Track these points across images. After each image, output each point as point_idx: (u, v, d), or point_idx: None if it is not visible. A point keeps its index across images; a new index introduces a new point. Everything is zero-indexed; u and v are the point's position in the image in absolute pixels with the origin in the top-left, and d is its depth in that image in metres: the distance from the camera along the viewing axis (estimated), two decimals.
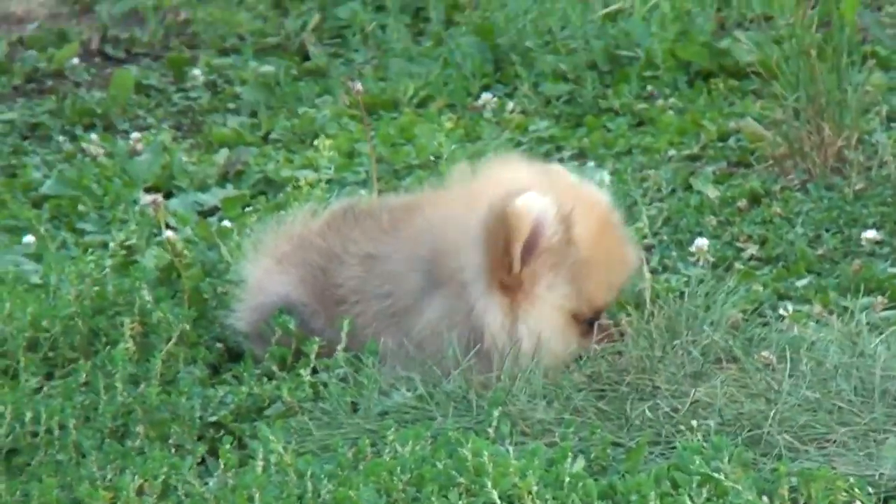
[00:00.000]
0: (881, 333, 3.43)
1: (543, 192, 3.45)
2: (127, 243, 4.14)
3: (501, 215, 3.39)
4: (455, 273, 3.53)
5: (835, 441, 3.08)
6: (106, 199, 4.58)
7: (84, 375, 3.41)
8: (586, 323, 3.53)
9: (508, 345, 3.45)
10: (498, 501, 2.70)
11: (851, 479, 2.75)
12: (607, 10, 5.74)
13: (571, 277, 3.46)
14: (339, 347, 3.45)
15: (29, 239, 4.26)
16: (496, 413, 3.09)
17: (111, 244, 4.16)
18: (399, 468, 2.81)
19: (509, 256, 3.42)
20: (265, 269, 3.81)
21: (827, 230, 4.12)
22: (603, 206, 3.60)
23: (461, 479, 2.77)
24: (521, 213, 3.38)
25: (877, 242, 4.07)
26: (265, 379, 3.42)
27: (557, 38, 5.65)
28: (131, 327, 3.54)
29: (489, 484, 2.72)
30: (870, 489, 2.76)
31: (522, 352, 3.50)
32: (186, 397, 3.28)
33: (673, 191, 4.46)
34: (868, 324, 3.51)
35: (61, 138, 5.25)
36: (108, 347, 3.49)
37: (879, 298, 3.66)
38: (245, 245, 3.97)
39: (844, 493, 2.72)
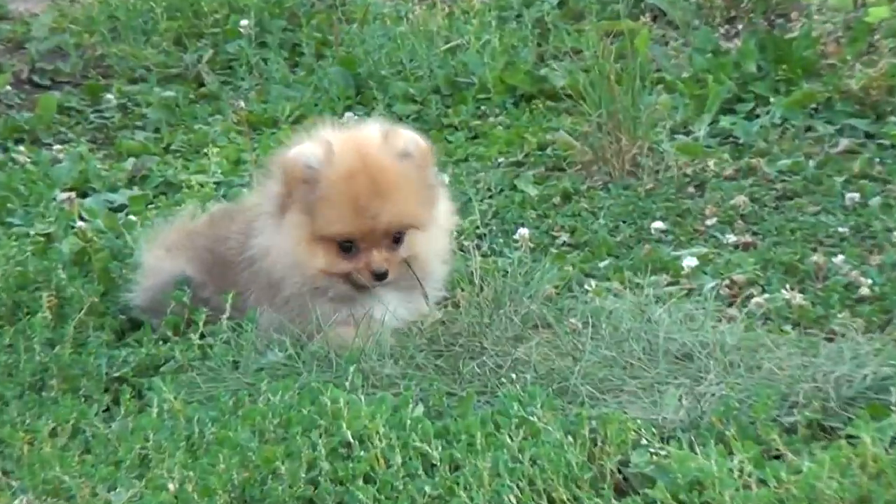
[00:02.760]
0: (664, 304, 3.50)
1: (321, 145, 3.52)
2: (46, 231, 4.17)
3: (281, 162, 3.53)
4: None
5: (627, 391, 3.14)
6: (31, 198, 4.58)
7: (7, 339, 3.44)
8: (340, 247, 3.52)
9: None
10: (351, 439, 2.73)
11: (639, 422, 2.81)
12: (448, 45, 5.82)
13: (308, 209, 3.49)
14: (224, 317, 3.47)
15: None
16: (351, 369, 3.13)
17: (31, 233, 4.20)
18: (271, 413, 2.86)
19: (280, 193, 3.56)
20: (157, 256, 3.85)
21: (623, 221, 4.18)
22: (372, 161, 3.55)
23: (321, 422, 2.80)
24: (288, 159, 3.49)
25: (663, 231, 4.13)
26: (161, 342, 3.46)
27: (407, 67, 5.71)
28: (48, 300, 3.55)
29: (344, 426, 2.75)
30: (653, 430, 2.80)
31: (269, 262, 3.60)
32: (94, 357, 3.32)
33: (501, 190, 4.51)
34: (655, 297, 3.58)
35: None
36: (28, 316, 3.51)
37: (664, 276, 3.73)
38: (140, 237, 4.00)
39: (633, 433, 2.77)
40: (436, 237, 3.65)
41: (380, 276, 3.51)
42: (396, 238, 3.51)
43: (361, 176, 3.51)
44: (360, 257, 3.50)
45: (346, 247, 3.48)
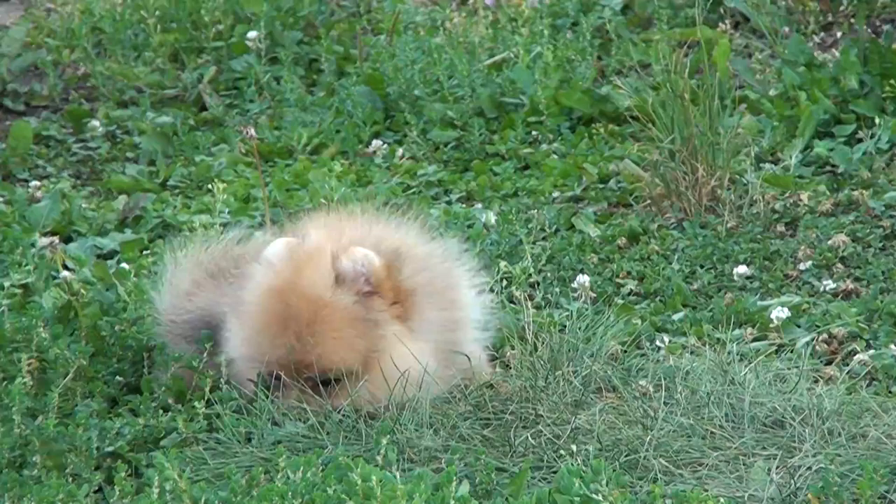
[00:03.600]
0: (750, 363, 3.43)
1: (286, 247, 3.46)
2: (24, 282, 4.07)
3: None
4: None
5: (707, 465, 3.09)
6: (4, 244, 4.46)
7: None
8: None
9: None
10: None
11: (722, 500, 2.75)
12: (493, 59, 5.76)
13: None
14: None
15: None
16: (384, 441, 3.04)
17: (7, 284, 4.09)
18: (291, 493, 2.77)
19: None
20: (197, 281, 3.78)
21: (701, 266, 4.13)
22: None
23: (350, 502, 2.74)
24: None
25: (747, 277, 4.08)
26: (161, 411, 3.37)
27: (445, 86, 5.62)
28: (28, 363, 3.46)
29: None
30: None
31: None
32: (83, 429, 3.21)
33: (556, 230, 4.45)
34: (738, 354, 3.52)
35: None
36: (5, 382, 3.40)
37: (749, 330, 3.67)
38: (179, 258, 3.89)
39: None
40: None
41: None
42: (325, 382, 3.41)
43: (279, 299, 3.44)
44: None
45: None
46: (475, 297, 3.71)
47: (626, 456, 3.08)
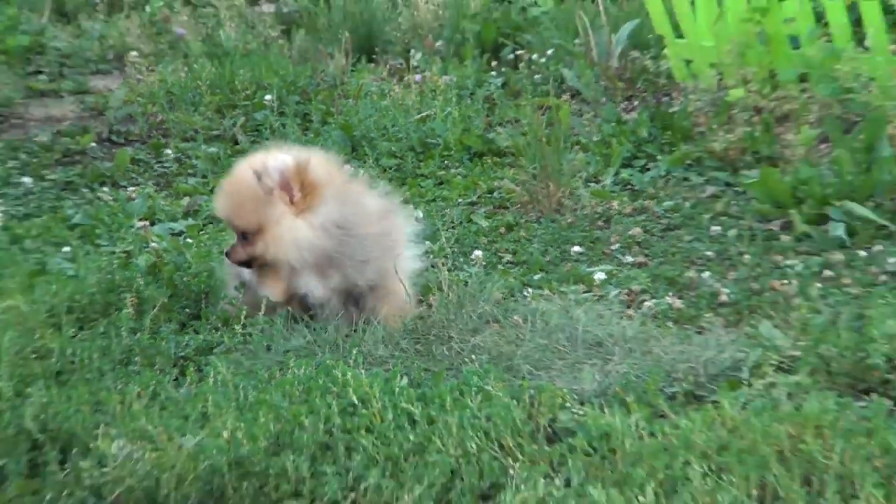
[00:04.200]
0: (582, 306, 3.41)
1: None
2: (126, 249, 4.04)
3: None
4: None
5: (555, 369, 3.09)
6: (113, 226, 4.44)
7: (102, 328, 3.34)
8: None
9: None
10: (355, 402, 2.66)
11: (565, 391, 2.75)
12: (420, 115, 5.65)
13: None
14: (261, 313, 3.31)
15: (66, 249, 4.11)
16: (354, 351, 3.05)
17: (116, 251, 4.07)
18: (296, 382, 2.77)
19: None
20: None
21: (551, 246, 4.09)
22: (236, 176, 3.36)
23: (334, 389, 2.72)
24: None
25: (580, 253, 4.03)
26: (214, 330, 3.37)
27: (390, 131, 5.54)
28: (131, 300, 3.46)
29: (350, 392, 2.68)
30: (574, 396, 2.75)
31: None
32: (165, 341, 3.23)
33: (461, 223, 4.41)
34: (575, 301, 3.49)
35: (85, 190, 5.04)
36: (116, 312, 3.39)
37: (581, 286, 3.64)
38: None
39: (560, 399, 2.72)
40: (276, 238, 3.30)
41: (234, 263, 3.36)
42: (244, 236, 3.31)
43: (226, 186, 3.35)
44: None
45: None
46: (409, 240, 3.57)
47: (505, 363, 3.08)
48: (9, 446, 2.69)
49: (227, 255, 3.32)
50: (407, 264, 3.49)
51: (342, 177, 3.39)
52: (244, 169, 3.28)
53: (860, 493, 2.31)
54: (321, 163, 3.33)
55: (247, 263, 3.30)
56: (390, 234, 3.44)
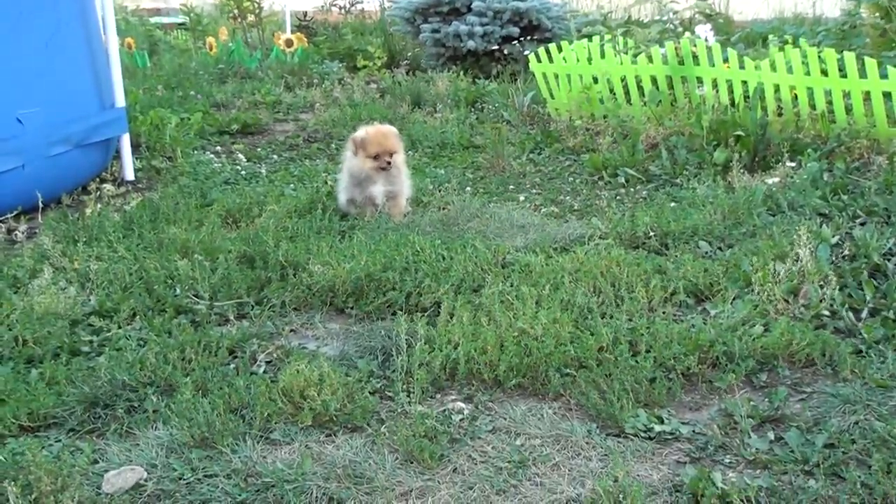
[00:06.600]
0: (514, 210, 4.27)
1: (363, 131, 4.26)
2: (316, 186, 5.00)
3: (351, 138, 4.33)
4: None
5: (505, 236, 3.89)
6: (312, 176, 5.56)
7: (308, 219, 4.29)
8: (374, 159, 4.28)
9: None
10: (418, 248, 3.59)
11: (509, 245, 3.65)
12: (441, 130, 6.53)
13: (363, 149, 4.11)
14: (368, 213, 4.18)
15: (291, 186, 5.35)
16: (416, 229, 3.93)
17: (314, 186, 5.03)
18: (392, 241, 3.73)
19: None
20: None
21: (500, 186, 5.21)
22: (385, 133, 4.39)
23: (409, 244, 3.69)
24: (354, 136, 4.24)
25: (512, 189, 5.04)
26: (355, 218, 4.23)
27: (428, 137, 6.73)
28: (320, 205, 4.34)
29: (416, 244, 3.69)
30: (514, 248, 3.68)
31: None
32: (333, 223, 4.04)
33: (460, 176, 5.35)
34: (511, 208, 4.37)
35: (299, 161, 6.50)
36: (312, 211, 4.44)
37: (513, 202, 4.48)
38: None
39: (508, 249, 3.53)
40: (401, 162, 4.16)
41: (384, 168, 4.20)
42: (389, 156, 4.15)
43: (381, 137, 4.25)
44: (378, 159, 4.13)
45: (376, 157, 4.17)
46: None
47: (482, 234, 4.09)
48: (272, 268, 3.62)
49: (388, 163, 4.27)
50: (406, 189, 4.50)
51: (400, 144, 4.51)
52: (387, 127, 4.40)
53: (634, 291, 3.16)
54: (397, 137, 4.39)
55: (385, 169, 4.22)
56: (401, 173, 4.39)
